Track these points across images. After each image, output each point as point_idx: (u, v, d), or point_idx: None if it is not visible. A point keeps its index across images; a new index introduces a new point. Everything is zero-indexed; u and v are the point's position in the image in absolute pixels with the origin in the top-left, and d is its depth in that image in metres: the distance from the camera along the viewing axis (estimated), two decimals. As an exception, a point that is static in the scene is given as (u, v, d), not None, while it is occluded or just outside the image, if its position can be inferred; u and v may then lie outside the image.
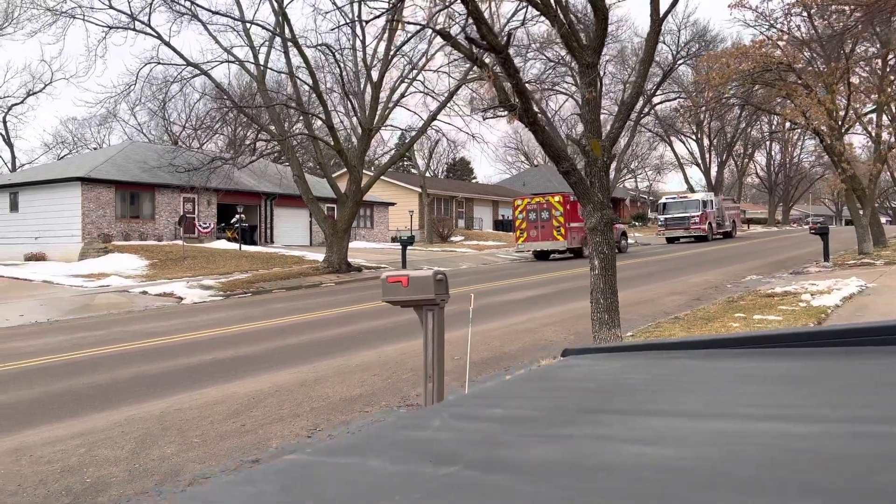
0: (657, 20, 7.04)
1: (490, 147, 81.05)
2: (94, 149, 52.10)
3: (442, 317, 5.43)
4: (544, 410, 1.08)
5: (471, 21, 6.03)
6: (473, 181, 75.62)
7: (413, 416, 1.12)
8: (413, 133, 25.51)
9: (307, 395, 7.19)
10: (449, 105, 24.26)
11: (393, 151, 63.47)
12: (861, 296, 11.71)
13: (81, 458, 5.45)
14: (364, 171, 25.22)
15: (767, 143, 67.20)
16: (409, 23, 6.33)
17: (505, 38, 5.87)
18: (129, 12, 21.26)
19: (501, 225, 52.13)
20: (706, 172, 60.24)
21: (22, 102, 56.66)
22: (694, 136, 60.44)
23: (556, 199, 28.04)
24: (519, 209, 28.59)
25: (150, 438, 5.88)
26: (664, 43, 41.30)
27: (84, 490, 4.81)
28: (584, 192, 6.60)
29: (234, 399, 7.12)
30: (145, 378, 8.26)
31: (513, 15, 20.55)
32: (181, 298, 17.36)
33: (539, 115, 6.34)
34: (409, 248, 26.02)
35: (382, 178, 30.76)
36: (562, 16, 6.17)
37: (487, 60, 6.04)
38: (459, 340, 8.96)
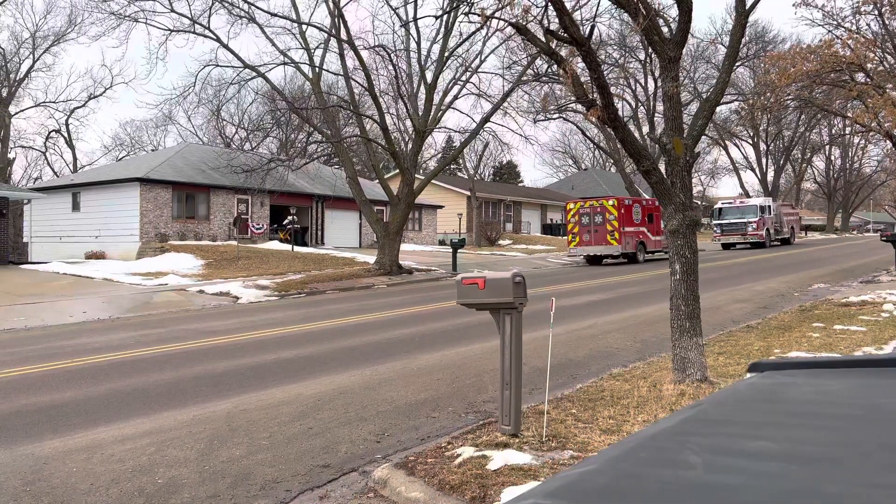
0: (743, 12, 6.68)
1: (543, 148, 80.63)
2: (152, 150, 53.63)
3: (520, 321, 5.22)
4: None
5: (546, 13, 5.80)
6: (520, 184, 75.26)
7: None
8: (465, 135, 25.34)
9: (371, 398, 7.06)
10: (501, 107, 24.02)
11: (440, 155, 63.55)
12: (949, 307, 11.04)
13: (152, 457, 5.39)
14: (416, 174, 25.18)
15: (827, 147, 65.03)
16: (492, 17, 6.14)
17: (588, 30, 5.61)
18: (190, 15, 21.70)
19: (550, 229, 51.60)
20: (762, 177, 58.65)
21: (83, 106, 58.65)
22: (750, 140, 58.88)
23: (611, 202, 27.54)
24: (571, 212, 28.18)
25: (218, 439, 5.80)
26: (721, 43, 40.21)
27: (157, 491, 4.73)
28: (664, 192, 6.29)
29: (299, 400, 7.02)
30: (209, 377, 8.25)
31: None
32: (237, 298, 17.54)
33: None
34: (460, 250, 25.87)
35: (433, 181, 30.72)
36: (643, 8, 5.88)
37: (564, 54, 5.78)
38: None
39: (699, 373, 6.36)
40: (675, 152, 6.30)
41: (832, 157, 69.30)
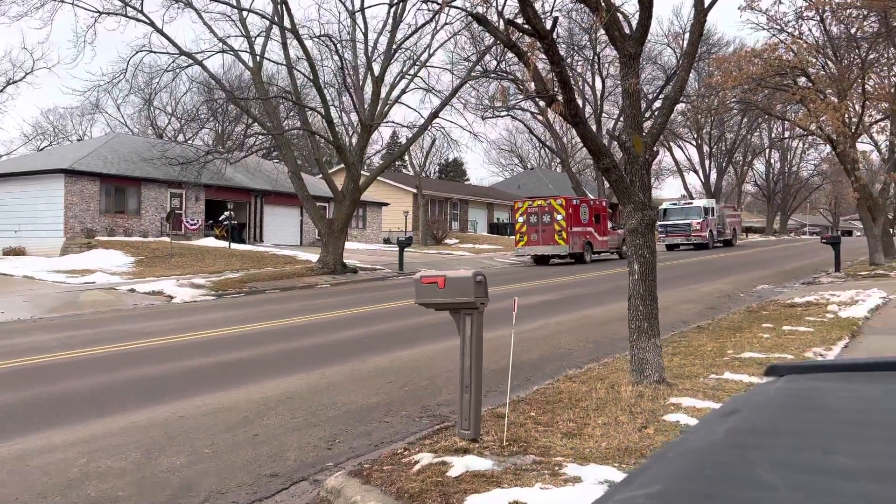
0: (702, 10, 6.80)
1: (492, 146, 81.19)
2: (77, 140, 51.45)
3: (481, 321, 5.16)
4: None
5: (506, 3, 5.75)
6: (467, 183, 75.59)
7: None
8: (413, 130, 25.22)
9: (320, 402, 6.88)
10: (450, 103, 24.01)
11: (386, 150, 63.13)
12: (889, 307, 11.54)
13: (83, 468, 5.09)
14: (361, 171, 24.92)
15: (767, 150, 67.69)
16: (450, 4, 6.05)
17: (550, 23, 5.59)
18: (121, -3, 20.84)
19: (497, 228, 51.99)
20: (705, 179, 60.53)
21: (1, 91, 55.84)
22: (694, 142, 60.70)
23: (559, 202, 27.90)
24: (520, 212, 28.43)
25: (156, 448, 5.53)
26: (669, 45, 41.27)
27: (89, 506, 4.45)
28: (624, 191, 6.34)
29: (243, 406, 6.78)
30: (144, 381, 7.89)
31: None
32: (171, 297, 16.97)
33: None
34: (406, 249, 25.75)
35: (378, 178, 30.46)
36: (604, 3, 5.89)
37: (525, 47, 5.74)
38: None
39: (657, 374, 6.43)
40: (635, 150, 6.35)
41: (772, 161, 72.20)
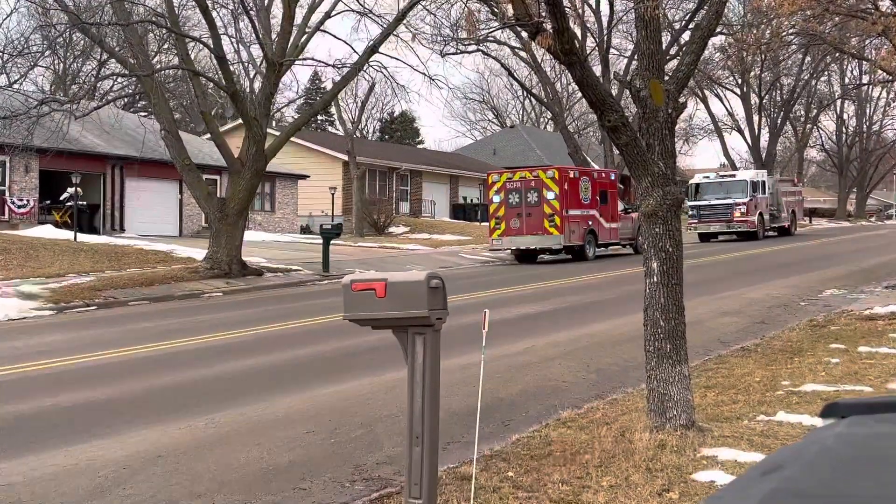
0: None
1: (454, 94, 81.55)
2: None
3: (437, 344, 5.18)
4: None
5: None
6: (421, 147, 75.85)
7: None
8: (343, 71, 25.12)
9: (207, 462, 6.83)
10: (395, 32, 23.99)
11: (304, 100, 62.80)
12: None
13: None
14: (268, 128, 24.76)
15: (839, 102, 69.19)
16: None
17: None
18: None
19: (464, 211, 52.29)
20: (753, 142, 61.68)
21: None
22: (738, 91, 61.76)
23: (549, 175, 28.18)
24: (495, 188, 28.67)
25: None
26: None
27: None
28: (638, 159, 6.45)
29: (95, 468, 6.70)
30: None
31: None
32: (-12, 312, 16.65)
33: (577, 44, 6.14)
34: (333, 241, 25.71)
35: (292, 139, 30.24)
36: None
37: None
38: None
39: (684, 415, 6.55)
40: (654, 102, 6.46)
41: (845, 117, 73.82)
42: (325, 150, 46.26)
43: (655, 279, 6.66)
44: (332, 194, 42.50)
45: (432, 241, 38.13)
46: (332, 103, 39.95)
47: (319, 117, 70.97)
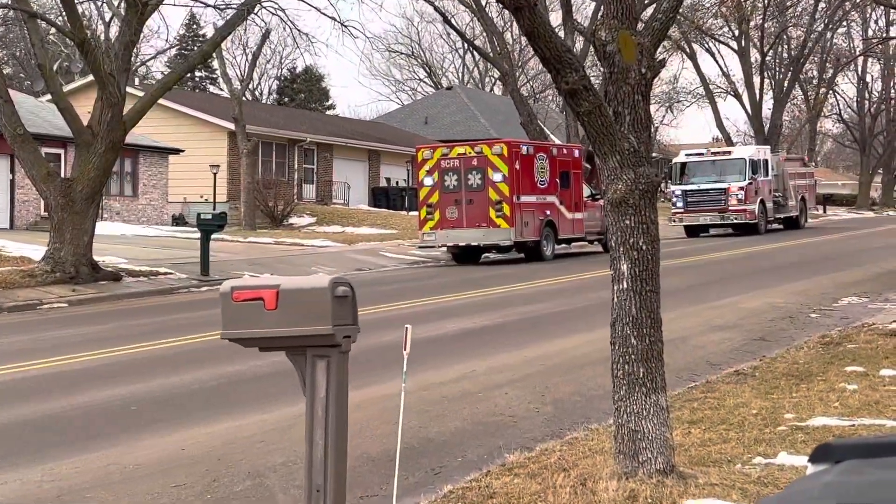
0: None
1: (376, 46, 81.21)
2: None
3: (344, 370, 5.17)
4: None
5: None
6: (331, 114, 75.58)
7: None
8: (227, 14, 24.88)
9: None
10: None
11: (177, 51, 61.83)
12: None
13: None
14: (128, 87, 24.41)
15: (861, 60, 70.37)
16: None
17: None
18: None
19: (386, 196, 52.23)
20: (755, 111, 62.59)
21: None
22: (735, 46, 62.64)
23: (497, 150, 28.26)
24: (427, 167, 28.70)
25: None
26: None
27: None
28: (603, 131, 6.50)
29: None
30: None
31: None
32: None
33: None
34: (215, 236, 25.45)
35: (161, 102, 29.81)
36: None
37: None
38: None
39: (661, 458, 6.60)
40: (623, 58, 6.51)
41: (868, 78, 75.19)
42: (206, 116, 45.71)
43: (625, 285, 6.71)
44: (215, 174, 42.09)
45: (345, 235, 38.00)
46: (215, 56, 39.48)
47: (198, 73, 70.31)
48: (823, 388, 9.51)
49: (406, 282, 23.87)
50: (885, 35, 62.47)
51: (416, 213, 32.45)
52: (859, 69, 73.12)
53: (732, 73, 66.15)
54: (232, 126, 42.41)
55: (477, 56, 72.29)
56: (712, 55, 64.33)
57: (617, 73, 6.71)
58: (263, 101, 72.88)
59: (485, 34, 43.49)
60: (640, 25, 7.40)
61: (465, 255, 28.98)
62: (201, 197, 42.47)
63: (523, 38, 55.37)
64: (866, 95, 74.95)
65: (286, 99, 76.84)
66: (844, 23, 62.43)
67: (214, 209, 33.74)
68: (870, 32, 65.67)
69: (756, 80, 62.33)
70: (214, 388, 11.22)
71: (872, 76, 75.22)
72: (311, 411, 5.15)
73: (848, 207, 72.27)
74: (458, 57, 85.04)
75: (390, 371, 10.33)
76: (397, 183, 53.59)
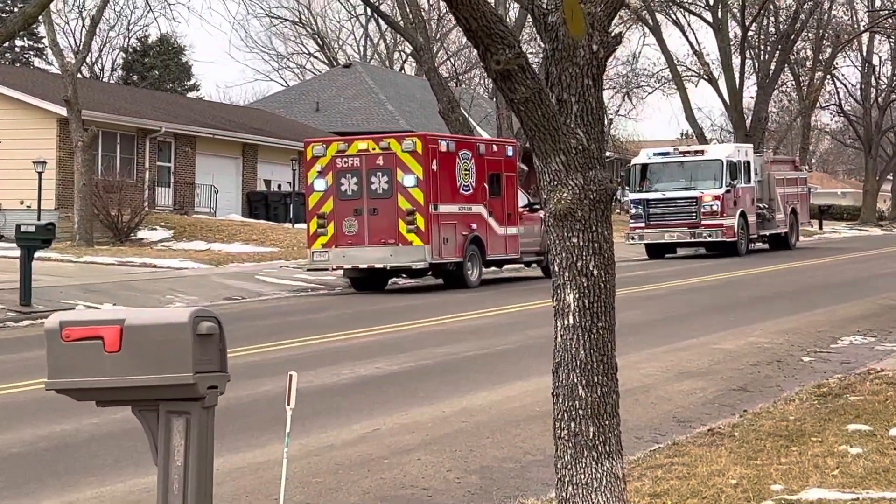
0: None
1: (254, 13, 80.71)
2: None
3: (209, 430, 5.12)
4: None
5: None
6: (193, 96, 75.05)
7: None
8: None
9: None
10: None
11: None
12: None
13: None
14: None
15: (865, 38, 71.35)
16: None
17: None
18: None
19: (266, 204, 51.93)
20: (734, 100, 63.35)
21: None
22: (709, 17, 63.30)
23: (408, 145, 28.21)
24: (318, 166, 28.60)
25: None
26: None
27: None
28: (543, 124, 6.47)
29: None
30: None
31: None
32: None
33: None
34: (39, 254, 25.08)
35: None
36: None
37: None
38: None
39: (614, 546, 6.61)
40: (570, 32, 6.51)
41: (875, 60, 76.14)
42: (29, 98, 45.10)
43: (572, 320, 6.69)
44: (40, 174, 41.50)
45: (212, 253, 37.70)
46: (41, 19, 39.03)
47: (19, 42, 69.37)
48: (820, 451, 9.57)
49: (291, 314, 23.73)
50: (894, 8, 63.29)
51: (303, 225, 32.33)
52: (864, 49, 74.03)
53: (706, 51, 66.97)
54: (64, 111, 41.88)
55: (383, 25, 72.41)
56: (681, 29, 65.21)
57: (561, 51, 6.70)
58: (106, 80, 72.17)
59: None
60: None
61: (368, 281, 28.93)
62: (22, 203, 41.87)
63: (442, 3, 55.56)
64: (872, 82, 75.73)
65: (135, 77, 76.19)
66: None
67: (39, 219, 33.28)
68: (877, 2, 66.57)
69: (736, 60, 63.08)
70: (38, 454, 10.99)
71: (880, 58, 76.44)
72: (165, 484, 5.08)
73: (849, 222, 73.19)
74: (360, 26, 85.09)
75: (270, 431, 10.27)
76: (280, 186, 53.35)
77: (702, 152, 42.52)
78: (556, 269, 6.87)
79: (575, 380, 6.70)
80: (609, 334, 6.83)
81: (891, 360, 15.35)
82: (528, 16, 7.07)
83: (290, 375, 5.58)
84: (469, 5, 6.38)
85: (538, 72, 6.79)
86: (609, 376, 6.79)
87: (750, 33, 63.03)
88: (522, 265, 31.80)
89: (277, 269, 33.35)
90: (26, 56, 72.64)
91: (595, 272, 6.75)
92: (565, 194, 6.69)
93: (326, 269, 29.43)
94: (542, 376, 10.24)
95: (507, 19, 45.00)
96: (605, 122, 7.29)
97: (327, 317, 23.05)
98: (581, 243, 6.72)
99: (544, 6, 6.70)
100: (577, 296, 6.72)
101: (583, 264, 6.71)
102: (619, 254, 28.29)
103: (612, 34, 7.08)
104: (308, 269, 30.25)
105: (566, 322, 6.75)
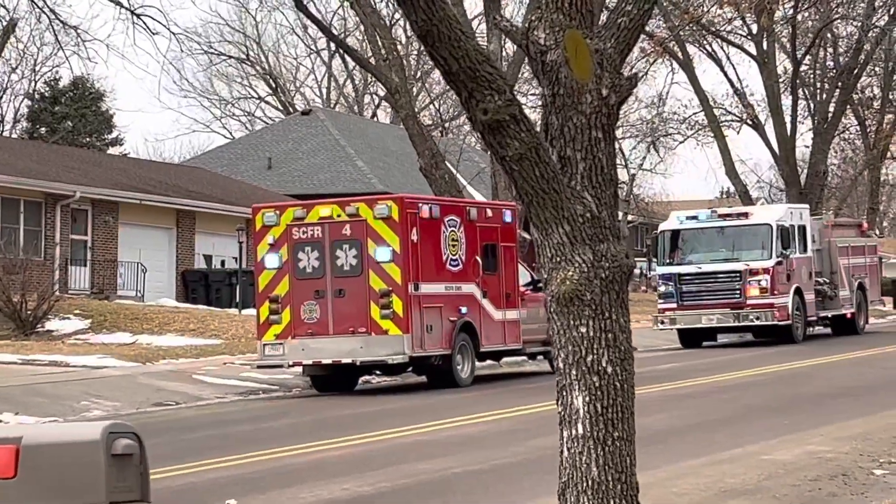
0: None
1: (189, 49, 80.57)
2: None
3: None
4: None
5: None
6: (116, 153, 75.08)
7: None
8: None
9: None
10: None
11: None
12: None
13: None
14: None
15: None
16: None
17: None
18: None
19: (205, 284, 51.84)
20: (784, 149, 63.46)
21: None
22: (752, 50, 63.53)
23: (381, 210, 28.19)
24: (271, 237, 28.56)
25: None
26: None
27: None
28: (544, 186, 6.48)
29: None
30: None
31: None
32: None
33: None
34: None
35: None
36: None
37: None
38: None
39: None
40: (574, 74, 6.56)
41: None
42: None
43: (581, 429, 6.67)
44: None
45: (139, 348, 37.57)
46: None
47: None
48: None
49: (236, 424, 23.64)
50: None
51: (253, 311, 32.24)
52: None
53: (750, 90, 67.13)
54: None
55: (350, 62, 72.73)
56: (718, 63, 65.40)
57: (564, 97, 6.72)
58: (6, 135, 72.21)
59: (362, 28, 43.77)
60: (600, 21, 7.44)
61: (333, 379, 28.88)
62: None
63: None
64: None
65: (43, 130, 76.24)
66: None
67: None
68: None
69: (786, 101, 63.35)
70: None
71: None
72: None
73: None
74: (322, 63, 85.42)
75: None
76: (223, 263, 53.38)
77: (746, 215, 42.32)
78: (561, 365, 6.84)
79: (587, 501, 6.67)
80: (628, 446, 6.79)
81: None
82: (525, 54, 7.09)
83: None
84: (449, 43, 6.39)
85: (536, 123, 6.81)
86: (629, 499, 6.75)
87: (803, 68, 63.21)
88: (525, 357, 31.65)
89: (220, 366, 33.14)
90: None
91: (609, 369, 6.72)
92: (571, 273, 6.68)
93: (281, 366, 29.20)
94: (550, 498, 10.19)
95: (502, 59, 44.98)
96: (627, 178, 7.31)
97: (283, 426, 22.96)
98: (591, 333, 6.70)
99: (542, 42, 6.71)
100: (587, 399, 6.69)
101: (594, 359, 6.69)
102: (645, 342, 28.57)
103: (627, 76, 7.08)
104: (259, 367, 30.04)
105: (574, 432, 6.71)
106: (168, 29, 58.63)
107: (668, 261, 40.30)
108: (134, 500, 4.97)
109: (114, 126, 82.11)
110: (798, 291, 39.77)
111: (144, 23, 27.22)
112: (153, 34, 42.86)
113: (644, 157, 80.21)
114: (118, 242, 50.53)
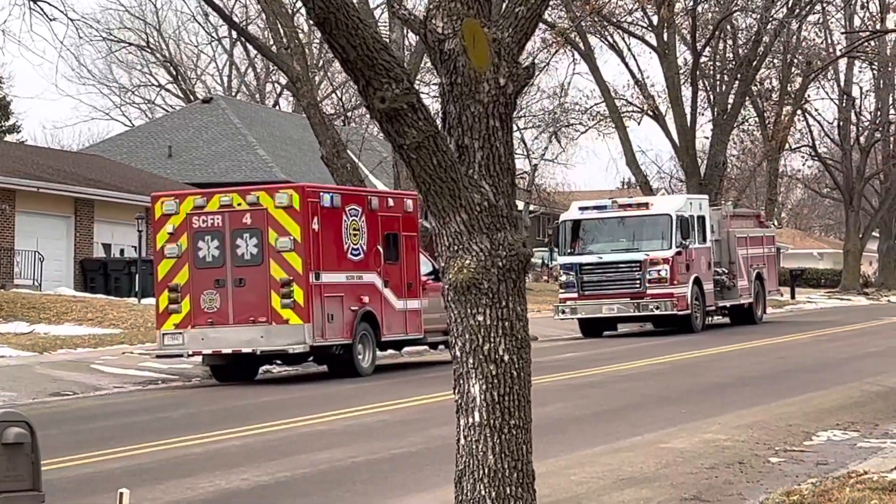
0: None
1: (83, 31, 79.47)
2: None
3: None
4: None
5: None
6: (12, 140, 74.30)
7: None
8: None
9: None
10: None
11: None
12: None
13: None
14: None
15: (843, 64, 71.92)
16: None
17: None
18: None
19: (104, 273, 51.40)
20: (684, 140, 63.64)
21: None
22: (653, 41, 63.63)
23: (282, 198, 28.03)
24: (170, 226, 28.42)
25: None
26: None
27: None
28: (441, 175, 6.46)
29: None
30: None
31: None
32: None
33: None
34: None
35: None
36: None
37: None
38: None
39: None
40: (472, 62, 6.55)
41: (855, 92, 76.70)
42: None
43: (477, 417, 6.65)
44: None
45: (35, 338, 37.19)
46: None
47: None
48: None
49: (135, 413, 23.46)
50: (878, 25, 63.52)
51: (152, 300, 31.99)
52: (841, 78, 74.68)
53: (651, 81, 67.31)
54: None
55: (252, 50, 72.38)
56: (619, 54, 65.59)
57: (462, 85, 6.69)
58: None
59: (264, 16, 43.57)
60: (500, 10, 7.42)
61: (233, 369, 28.79)
62: None
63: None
64: (852, 118, 76.16)
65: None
66: (818, 6, 63.77)
67: None
68: (856, 22, 67.19)
69: (686, 92, 63.51)
70: None
71: (861, 88, 76.93)
72: None
73: (828, 290, 73.82)
74: (223, 51, 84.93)
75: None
76: (122, 252, 52.94)
77: (646, 205, 42.41)
78: (459, 353, 6.78)
79: (483, 491, 6.64)
80: (524, 434, 6.77)
81: (876, 459, 15.36)
82: (422, 39, 7.08)
83: (121, 493, 5.52)
84: (347, 31, 6.36)
85: (433, 112, 6.78)
86: (525, 487, 6.72)
87: (703, 59, 63.45)
88: (426, 347, 31.62)
89: (119, 356, 32.88)
90: None
91: (506, 357, 6.69)
92: (468, 261, 6.65)
93: (181, 356, 29.03)
94: (447, 486, 10.20)
95: (404, 48, 44.83)
96: (529, 169, 7.32)
97: (182, 415, 22.83)
98: (488, 322, 6.67)
99: (439, 31, 6.67)
100: (484, 387, 6.66)
101: (490, 348, 6.66)
102: (546, 331, 28.74)
103: (525, 65, 7.07)
104: (158, 356, 29.86)
105: (471, 420, 6.68)
106: (66, 15, 58.18)
107: (569, 250, 40.35)
108: (25, 490, 4.91)
109: (11, 113, 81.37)
110: (697, 281, 40.00)
111: (41, 8, 26.97)
112: (51, 20, 42.45)
113: (546, 148, 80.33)
114: (14, 231, 50.00)
